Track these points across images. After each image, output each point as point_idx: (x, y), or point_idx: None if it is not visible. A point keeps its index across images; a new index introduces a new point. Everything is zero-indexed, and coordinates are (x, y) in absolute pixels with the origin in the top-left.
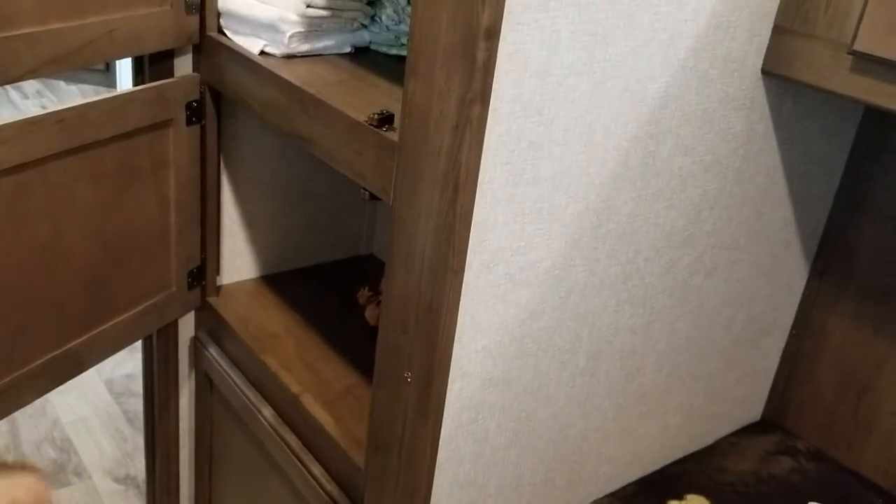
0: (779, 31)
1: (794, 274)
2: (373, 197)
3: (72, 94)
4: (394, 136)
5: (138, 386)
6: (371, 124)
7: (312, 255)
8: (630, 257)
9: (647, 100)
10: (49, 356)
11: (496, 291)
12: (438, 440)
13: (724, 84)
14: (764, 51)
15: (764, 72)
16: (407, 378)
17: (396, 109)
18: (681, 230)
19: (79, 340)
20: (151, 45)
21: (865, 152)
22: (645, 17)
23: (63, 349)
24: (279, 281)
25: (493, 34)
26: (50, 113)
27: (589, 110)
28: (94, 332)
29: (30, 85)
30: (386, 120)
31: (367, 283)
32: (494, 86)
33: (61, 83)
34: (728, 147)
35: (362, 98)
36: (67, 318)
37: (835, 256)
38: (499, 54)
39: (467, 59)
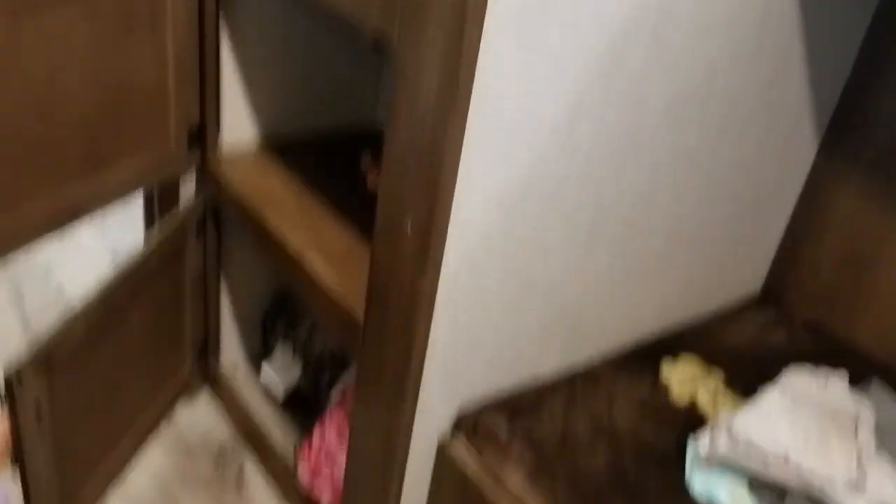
0: None
1: (804, 145)
2: (376, 48)
3: None
4: None
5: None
6: None
7: (315, 120)
8: (638, 118)
9: None
10: (47, 199)
11: (499, 144)
12: (436, 293)
13: None
14: None
15: None
16: (406, 228)
17: None
18: (693, 91)
19: (77, 185)
20: None
21: (892, 13)
22: None
23: (60, 193)
24: (281, 148)
25: None
26: None
27: None
28: (92, 178)
29: None
30: None
31: (371, 150)
32: None
33: None
34: (743, 4)
35: None
36: (64, 162)
37: (848, 128)
38: None
39: None
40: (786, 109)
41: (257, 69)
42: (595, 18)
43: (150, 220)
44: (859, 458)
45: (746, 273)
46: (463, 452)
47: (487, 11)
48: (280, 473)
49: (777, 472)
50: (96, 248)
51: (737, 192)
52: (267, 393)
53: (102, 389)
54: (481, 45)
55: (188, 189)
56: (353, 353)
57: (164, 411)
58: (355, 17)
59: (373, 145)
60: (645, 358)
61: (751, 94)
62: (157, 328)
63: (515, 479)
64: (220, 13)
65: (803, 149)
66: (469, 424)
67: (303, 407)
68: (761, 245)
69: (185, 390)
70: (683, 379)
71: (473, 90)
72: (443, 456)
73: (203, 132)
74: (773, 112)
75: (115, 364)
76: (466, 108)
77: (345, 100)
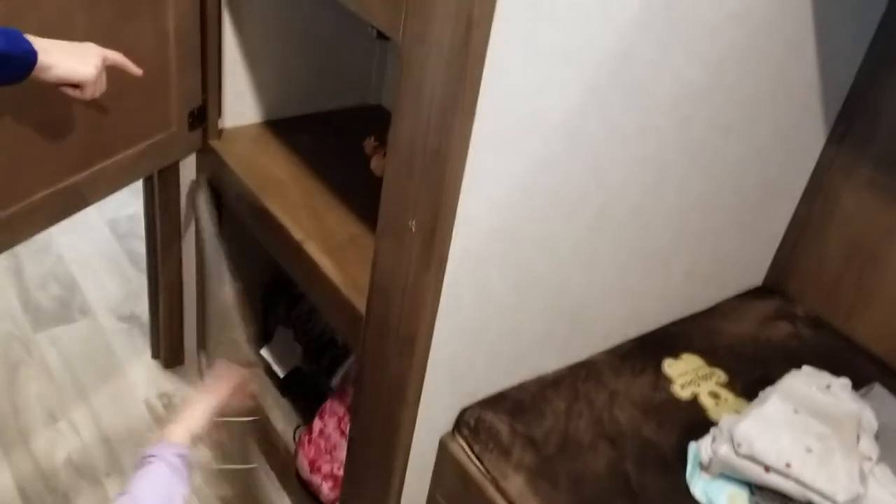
0: None
1: (811, 137)
2: (380, 35)
3: None
4: None
5: (142, 228)
6: None
7: (318, 102)
8: (646, 110)
9: None
10: (50, 190)
11: (507, 138)
12: (441, 288)
13: None
14: None
15: None
16: (411, 227)
17: None
18: (701, 84)
19: (79, 175)
20: None
21: None
22: None
23: (64, 184)
24: (283, 127)
25: None
26: None
27: None
28: (95, 167)
29: None
30: None
31: (375, 133)
32: None
33: None
34: None
35: None
36: (67, 152)
37: (857, 120)
38: None
39: None
40: (794, 102)
41: (259, 49)
42: (603, 14)
43: (149, 195)
44: (861, 471)
45: (749, 265)
46: (464, 453)
47: (496, 9)
48: (279, 461)
49: (777, 482)
50: (95, 220)
51: (743, 185)
52: (267, 374)
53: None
54: (489, 42)
55: (189, 168)
56: (354, 344)
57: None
58: (359, 7)
59: (376, 127)
60: (647, 353)
61: (759, 88)
62: None
63: (516, 482)
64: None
65: (812, 140)
66: (471, 423)
67: (302, 388)
68: (765, 237)
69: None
70: (685, 377)
71: (481, 87)
72: (444, 454)
73: (204, 113)
74: (780, 105)
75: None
76: (474, 105)
77: (347, 80)
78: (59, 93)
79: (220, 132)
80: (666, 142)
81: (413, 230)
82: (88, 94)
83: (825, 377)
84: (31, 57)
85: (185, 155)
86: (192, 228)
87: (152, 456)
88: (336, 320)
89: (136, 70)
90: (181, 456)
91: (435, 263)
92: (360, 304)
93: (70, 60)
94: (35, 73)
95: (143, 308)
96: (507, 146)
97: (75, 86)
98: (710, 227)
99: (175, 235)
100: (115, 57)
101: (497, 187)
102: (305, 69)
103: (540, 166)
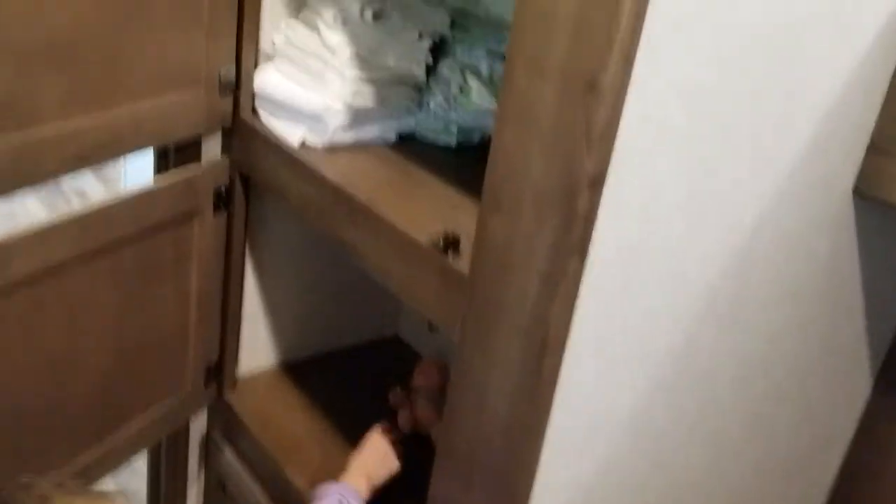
0: (874, 150)
1: (859, 387)
2: (432, 328)
3: None
4: (462, 267)
5: (140, 484)
6: (435, 248)
7: (335, 340)
8: (708, 393)
9: (741, 230)
10: (56, 468)
11: (575, 446)
12: None
13: (816, 206)
14: (857, 170)
15: (855, 192)
16: None
17: (456, 220)
18: (759, 359)
19: (88, 454)
20: (182, 133)
21: None
22: (747, 146)
23: (71, 465)
24: (301, 369)
25: (598, 183)
26: (72, 217)
27: (683, 248)
28: (104, 444)
29: None
30: (451, 244)
31: (398, 381)
32: (594, 236)
33: None
34: (811, 269)
35: (416, 205)
36: (78, 432)
37: None
38: (601, 203)
39: (566, 208)
40: (842, 358)
41: (279, 298)
42: (673, 315)
43: (154, 462)
44: None
45: None
46: None
47: (571, 330)
48: None
49: None
50: None
51: (794, 443)
52: None
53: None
54: (563, 363)
55: (198, 426)
56: None
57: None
58: (409, 298)
59: (397, 364)
60: None
61: (811, 354)
62: None
63: None
64: (246, 247)
65: (859, 389)
66: None
67: None
68: (817, 487)
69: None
70: None
71: (553, 407)
72: None
73: (221, 367)
74: (830, 363)
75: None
76: (544, 425)
77: (365, 316)
78: (75, 373)
79: (234, 383)
80: (725, 418)
81: None
82: None
83: None
84: None
85: (197, 411)
86: (198, 489)
87: (331, 493)
88: None
89: None
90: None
91: None
92: None
93: None
94: None
95: None
96: (575, 453)
97: None
98: (763, 489)
99: (180, 497)
100: None
101: (561, 497)
102: (324, 311)
103: (604, 465)
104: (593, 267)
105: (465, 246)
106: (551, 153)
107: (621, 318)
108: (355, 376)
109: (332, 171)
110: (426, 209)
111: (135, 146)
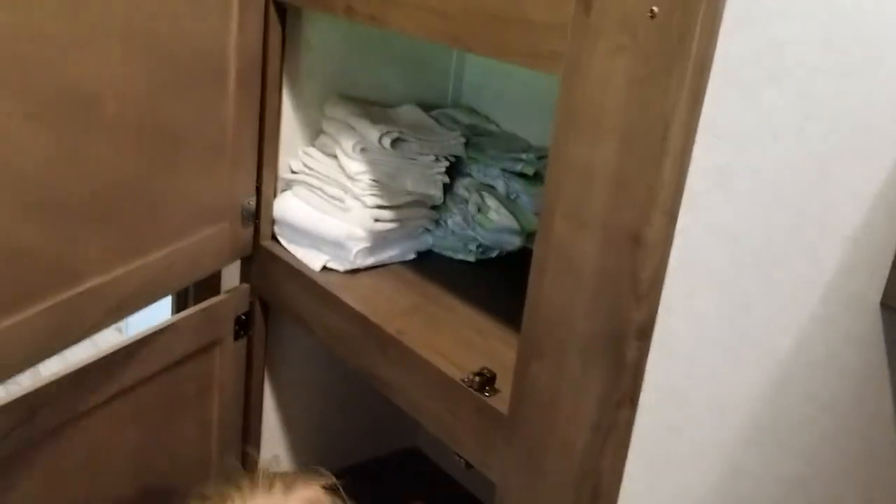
0: None
1: (890, 486)
2: (468, 465)
3: None
4: (499, 405)
5: None
6: (470, 386)
7: (354, 454)
8: None
9: (779, 357)
10: None
11: None
12: None
13: (846, 323)
14: (883, 284)
15: (882, 305)
16: None
17: (487, 351)
18: (798, 476)
19: None
20: (209, 267)
21: None
22: (782, 276)
23: None
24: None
25: (646, 332)
26: (99, 359)
27: (724, 383)
28: None
29: None
30: (487, 381)
31: (419, 497)
32: (643, 383)
33: None
34: (844, 384)
35: (446, 333)
36: None
37: None
38: (650, 350)
39: (614, 357)
40: (877, 461)
41: (297, 414)
42: (713, 440)
43: None
44: None
45: None
46: None
47: (624, 478)
48: None
49: None
50: None
51: None
52: None
53: None
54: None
55: None
56: None
57: None
58: (443, 434)
59: (416, 480)
60: None
61: (848, 462)
62: None
63: None
64: (266, 370)
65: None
66: None
67: None
68: None
69: None
70: None
71: None
72: None
73: None
74: (864, 468)
75: None
76: None
77: (385, 428)
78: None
79: None
80: None
81: None
82: None
83: None
84: None
85: None
86: None
87: None
88: None
89: None
90: None
91: None
92: None
93: None
94: None
95: None
96: None
97: None
98: None
99: None
100: None
101: None
102: (342, 426)
103: None
104: (643, 414)
105: (502, 380)
106: (596, 303)
107: (668, 460)
108: (376, 491)
109: (357, 297)
110: (456, 338)
111: (169, 289)
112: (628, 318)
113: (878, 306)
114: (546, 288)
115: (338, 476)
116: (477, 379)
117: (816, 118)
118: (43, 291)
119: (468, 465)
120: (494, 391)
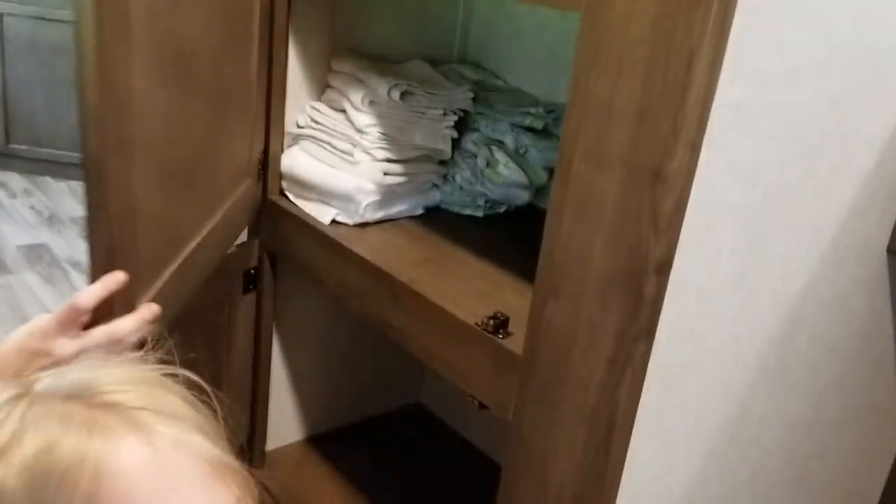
0: None
1: (892, 441)
2: (482, 406)
3: (61, 191)
4: (514, 347)
5: None
6: (485, 329)
7: (360, 411)
8: (758, 457)
9: (789, 298)
10: None
11: None
12: None
13: (855, 268)
14: (891, 230)
15: (889, 250)
16: None
17: (499, 298)
18: (803, 420)
19: None
20: (243, 224)
21: None
22: (795, 216)
23: None
24: (328, 442)
25: (665, 268)
26: None
27: (737, 322)
28: None
29: (17, 182)
30: (501, 325)
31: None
32: (660, 319)
33: (49, 179)
34: (850, 329)
35: (458, 283)
36: None
37: None
38: (668, 286)
39: (632, 293)
40: (878, 413)
41: (304, 374)
42: (724, 379)
43: None
44: None
45: None
46: None
47: (638, 411)
48: None
49: None
50: None
51: (832, 497)
52: None
53: None
54: (630, 444)
55: None
56: None
57: None
58: (459, 380)
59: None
60: None
61: (850, 411)
62: None
63: None
64: (273, 326)
65: (890, 444)
66: None
67: None
68: None
69: None
70: None
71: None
72: None
73: (251, 447)
74: (866, 419)
75: None
76: (615, 491)
77: (389, 385)
78: None
79: (263, 460)
80: (772, 481)
81: None
82: None
83: None
84: None
85: None
86: None
87: None
88: None
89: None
90: None
91: None
92: None
93: None
94: None
95: None
96: None
97: None
98: None
99: None
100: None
101: None
102: (349, 384)
103: None
104: (658, 350)
105: (514, 325)
106: (615, 241)
107: (680, 396)
108: (381, 446)
109: (367, 248)
110: (467, 288)
111: (225, 250)
112: (648, 253)
113: (884, 252)
114: (563, 228)
115: (344, 430)
116: (491, 322)
117: (835, 58)
118: (173, 254)
119: (482, 406)
120: (508, 334)
